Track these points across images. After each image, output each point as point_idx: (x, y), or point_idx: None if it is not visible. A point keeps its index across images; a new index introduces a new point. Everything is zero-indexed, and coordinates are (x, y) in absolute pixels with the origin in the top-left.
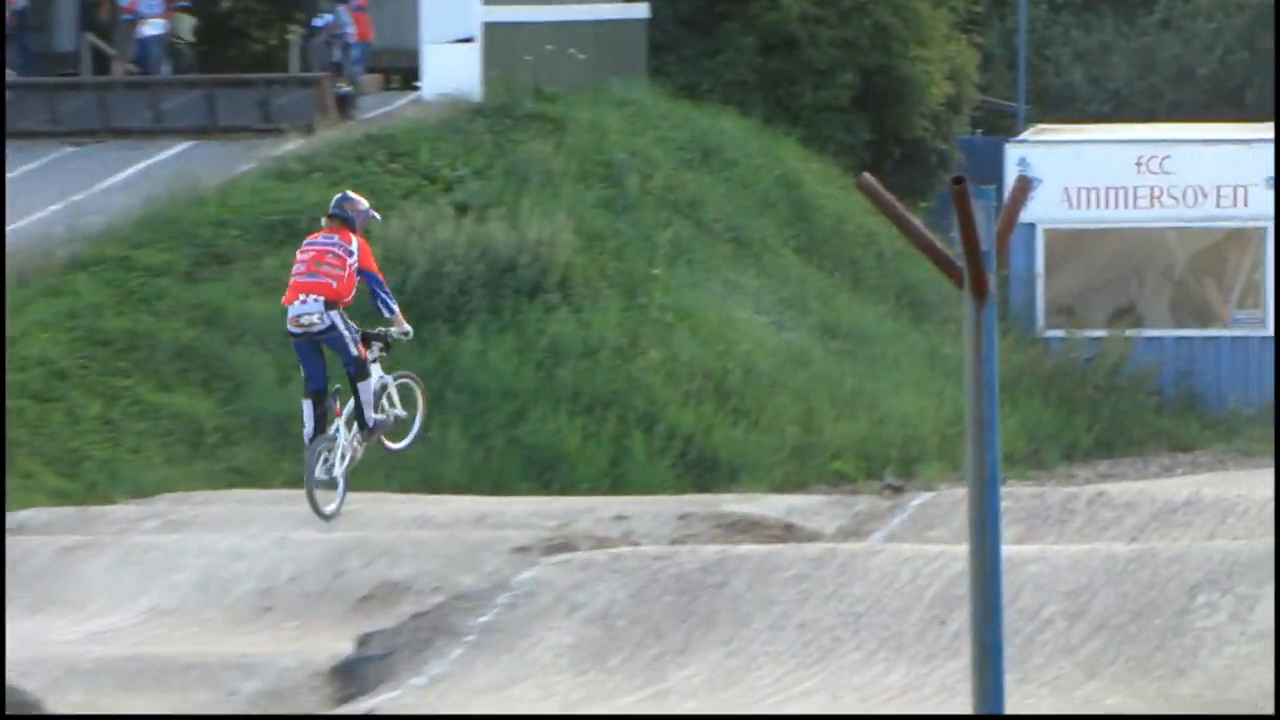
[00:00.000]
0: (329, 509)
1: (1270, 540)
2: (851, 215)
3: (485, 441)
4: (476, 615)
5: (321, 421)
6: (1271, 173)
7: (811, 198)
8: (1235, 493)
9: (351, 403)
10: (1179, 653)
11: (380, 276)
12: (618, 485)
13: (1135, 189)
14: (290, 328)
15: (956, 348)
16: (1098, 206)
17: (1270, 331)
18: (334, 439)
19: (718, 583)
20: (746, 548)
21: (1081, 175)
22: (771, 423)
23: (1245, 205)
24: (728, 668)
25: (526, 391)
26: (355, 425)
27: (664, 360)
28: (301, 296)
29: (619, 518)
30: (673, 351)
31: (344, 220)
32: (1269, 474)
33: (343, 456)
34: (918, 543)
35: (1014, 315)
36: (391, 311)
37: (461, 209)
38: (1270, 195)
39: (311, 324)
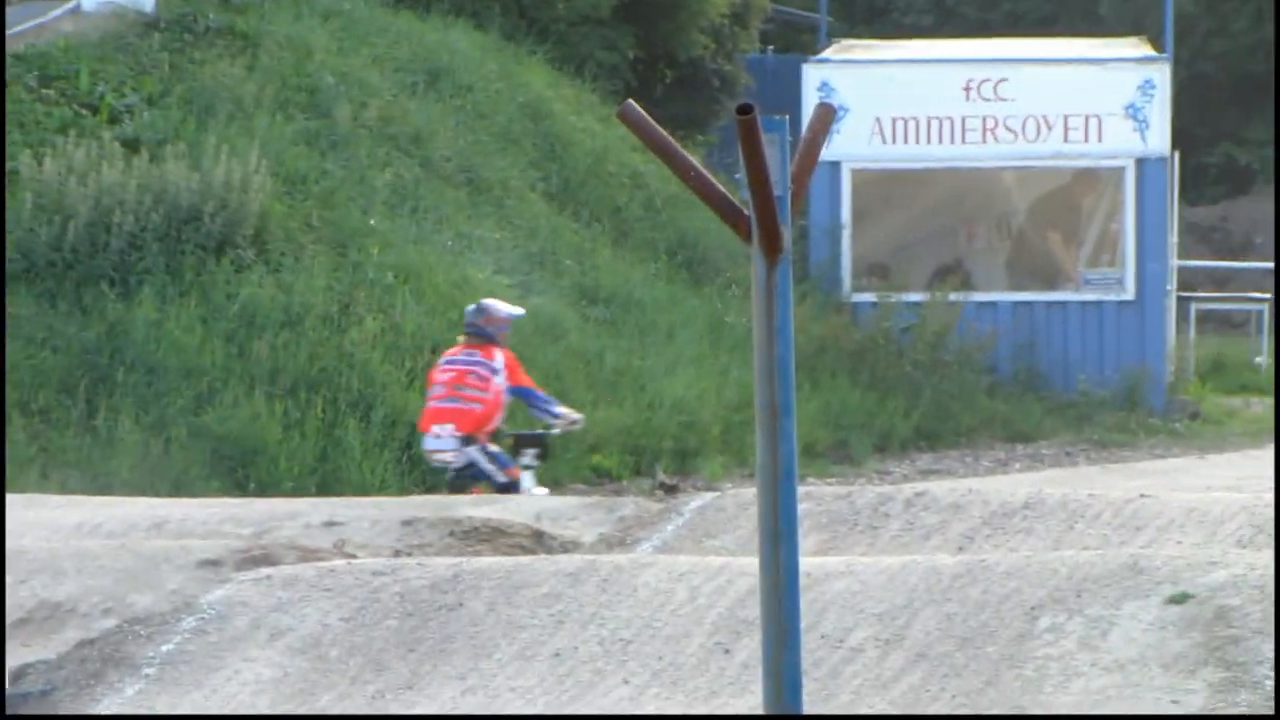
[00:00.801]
0: None
1: (1129, 551)
2: (614, 152)
3: (164, 431)
4: (157, 643)
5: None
6: (1133, 99)
7: (564, 131)
8: (1085, 492)
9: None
10: (1017, 687)
11: (534, 388)
12: (328, 484)
13: (964, 120)
14: (428, 458)
15: (743, 316)
16: (917, 142)
17: (1130, 295)
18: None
19: (452, 603)
20: (487, 561)
21: (897, 103)
22: None
23: (1100, 140)
24: (465, 706)
25: (214, 370)
26: None
27: (383, 331)
28: (435, 429)
29: (330, 524)
30: (394, 321)
31: (483, 337)
32: (1125, 469)
33: None
34: (697, 554)
35: (815, 276)
36: (556, 416)
37: (131, 146)
38: (1130, 126)
39: (447, 461)
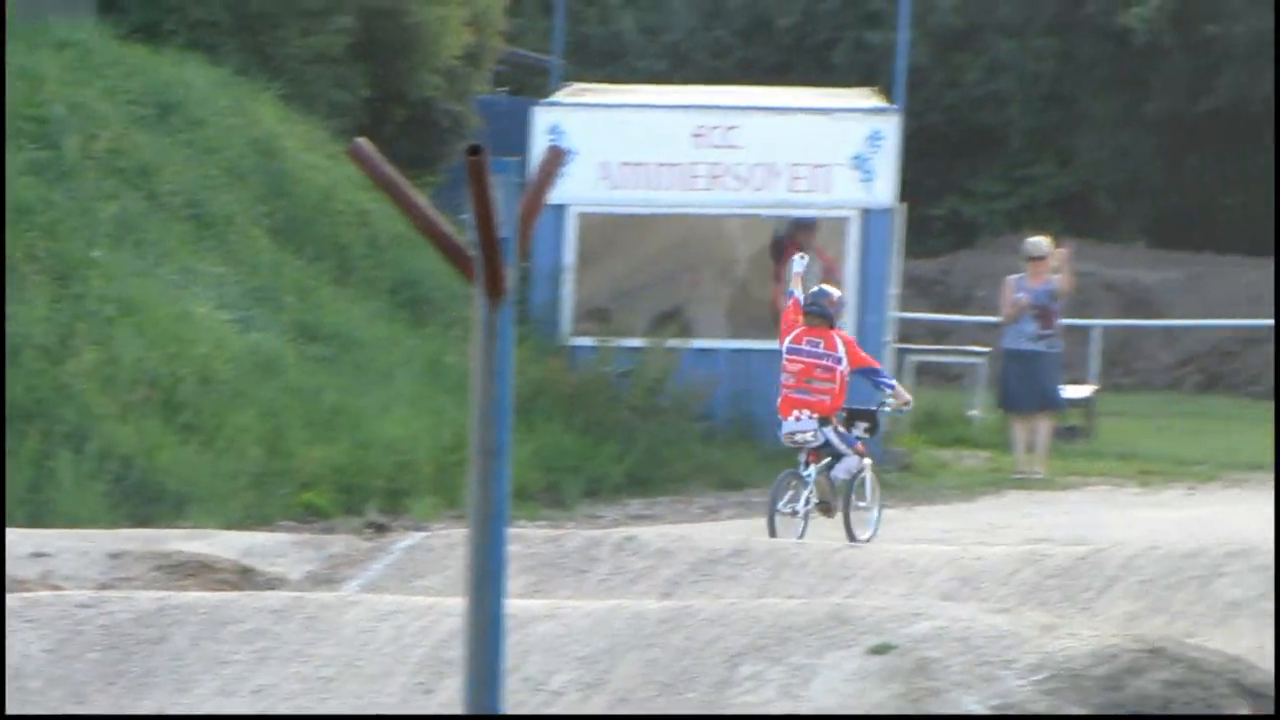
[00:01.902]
0: (791, 537)
1: (833, 601)
2: (341, 190)
3: None
4: None
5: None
6: (861, 150)
7: (293, 168)
8: (794, 541)
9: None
10: None
11: (874, 365)
12: (38, 515)
13: (693, 166)
14: (784, 441)
15: (462, 357)
16: (645, 187)
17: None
18: (805, 479)
19: (155, 637)
20: (193, 595)
21: (626, 147)
22: (231, 443)
23: (827, 190)
24: None
25: None
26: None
27: (101, 363)
28: (795, 413)
29: (37, 555)
30: (112, 353)
31: (824, 318)
32: (834, 519)
33: (807, 499)
34: (403, 594)
35: (535, 319)
36: (891, 388)
37: None
38: (857, 177)
39: (806, 441)
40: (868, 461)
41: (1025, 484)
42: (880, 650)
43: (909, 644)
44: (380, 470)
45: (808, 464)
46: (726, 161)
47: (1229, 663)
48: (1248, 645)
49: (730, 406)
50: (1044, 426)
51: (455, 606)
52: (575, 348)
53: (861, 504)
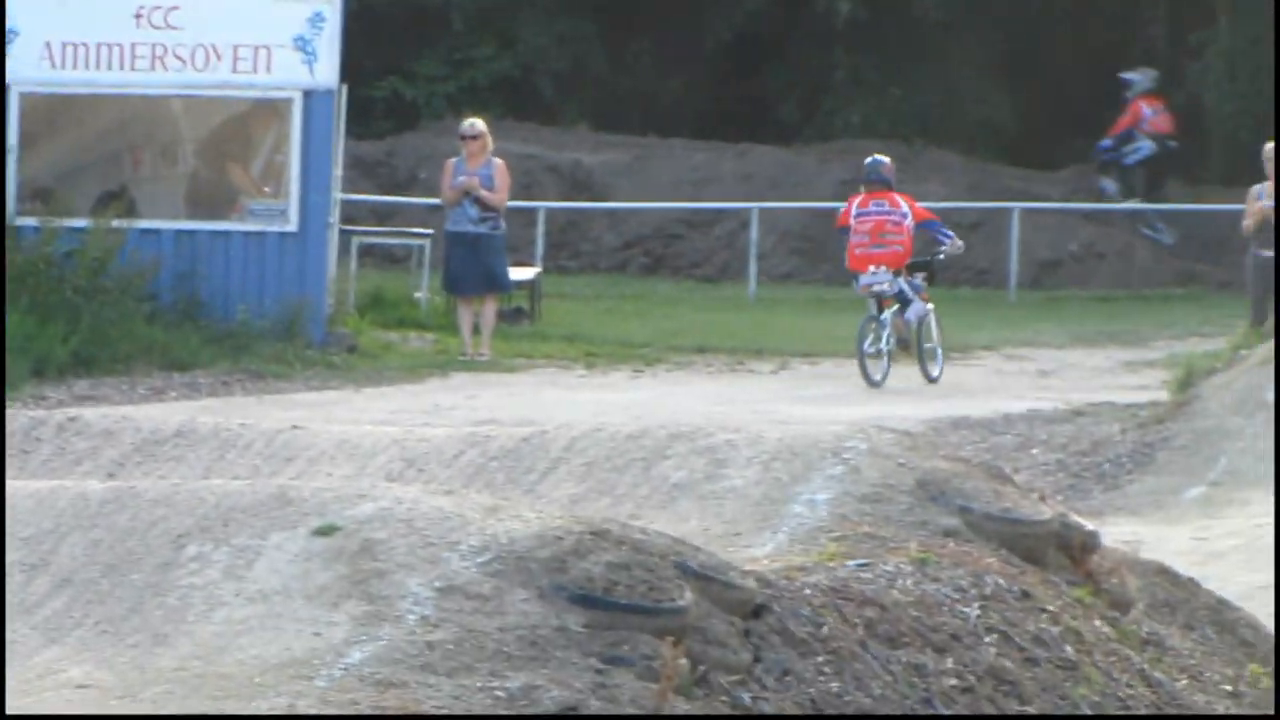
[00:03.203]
0: (877, 377)
1: (278, 482)
2: None
3: None
4: None
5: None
6: (303, 31)
7: None
8: (238, 422)
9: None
10: (160, 615)
11: (933, 219)
12: None
13: (134, 46)
14: (860, 291)
15: None
16: (88, 67)
17: (294, 227)
18: (882, 321)
19: None
20: None
21: (68, 27)
22: None
23: (269, 72)
24: None
25: None
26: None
27: None
28: (871, 268)
29: None
30: None
31: (884, 183)
32: (281, 400)
33: (888, 337)
34: None
35: None
36: (949, 239)
37: None
38: (299, 58)
39: (882, 291)
40: (931, 305)
41: (471, 366)
42: (325, 532)
43: (353, 525)
44: None
45: (881, 309)
46: (168, 43)
47: (673, 545)
48: (691, 528)
49: (176, 288)
50: (489, 308)
51: None
52: (19, 228)
53: (928, 344)
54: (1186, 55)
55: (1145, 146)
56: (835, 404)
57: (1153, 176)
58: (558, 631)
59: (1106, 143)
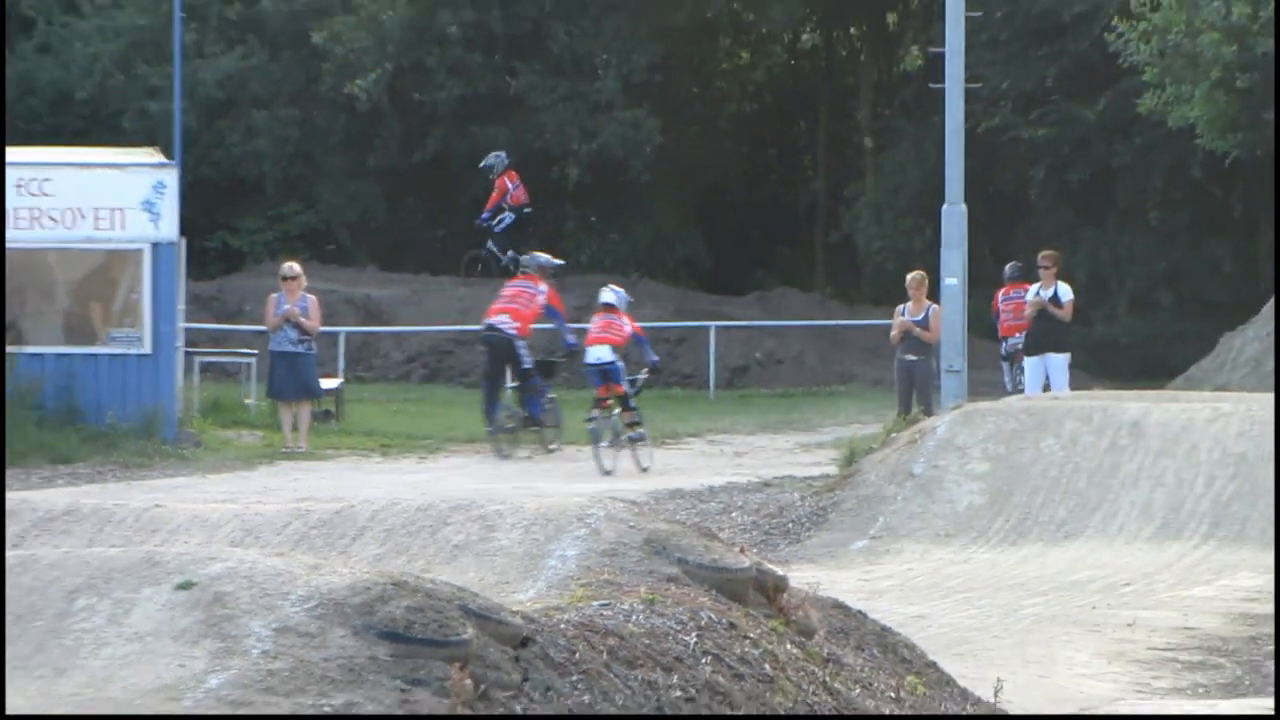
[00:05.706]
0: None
1: (147, 549)
2: None
3: None
4: None
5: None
6: (148, 196)
7: None
8: (113, 502)
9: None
10: (59, 653)
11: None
12: None
13: (16, 210)
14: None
15: None
16: None
17: (148, 349)
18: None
19: None
20: None
21: None
22: None
23: (124, 229)
24: None
25: None
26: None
27: None
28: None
29: None
30: None
31: (1016, 281)
32: (145, 485)
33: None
34: None
35: None
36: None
37: None
38: (146, 218)
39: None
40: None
41: (292, 456)
42: (185, 586)
43: (207, 581)
44: None
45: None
46: (43, 206)
47: (457, 592)
48: (470, 579)
49: (58, 398)
50: (305, 411)
51: None
52: None
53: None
54: (841, 204)
55: (508, 217)
56: (578, 480)
57: (520, 237)
58: (370, 660)
59: (485, 215)
